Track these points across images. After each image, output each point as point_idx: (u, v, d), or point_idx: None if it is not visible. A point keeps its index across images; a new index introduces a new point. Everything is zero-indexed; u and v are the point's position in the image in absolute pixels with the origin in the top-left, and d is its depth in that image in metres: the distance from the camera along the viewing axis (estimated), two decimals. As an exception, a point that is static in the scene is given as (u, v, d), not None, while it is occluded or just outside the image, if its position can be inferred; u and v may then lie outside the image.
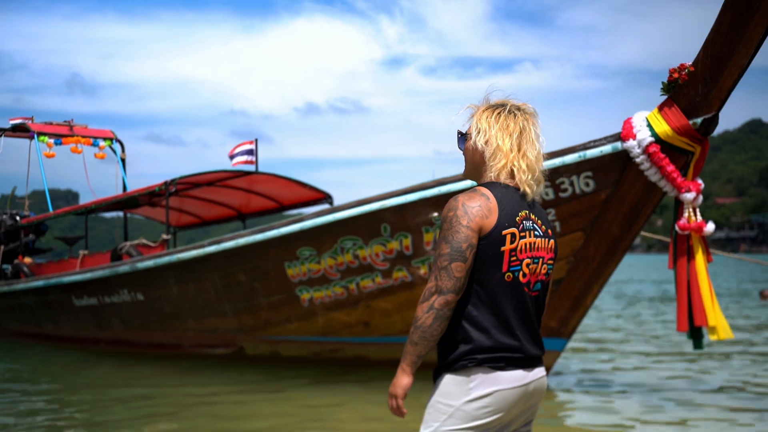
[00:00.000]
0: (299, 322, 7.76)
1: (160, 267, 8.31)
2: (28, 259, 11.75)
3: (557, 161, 6.24)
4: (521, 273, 2.21)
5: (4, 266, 12.09)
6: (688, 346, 9.17)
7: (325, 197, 11.15)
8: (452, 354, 2.20)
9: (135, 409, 6.24)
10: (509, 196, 2.22)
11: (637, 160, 5.88)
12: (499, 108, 2.31)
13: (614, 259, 6.63)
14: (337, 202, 10.57)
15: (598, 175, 6.26)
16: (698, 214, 5.88)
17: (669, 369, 7.91)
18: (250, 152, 10.13)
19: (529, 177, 2.26)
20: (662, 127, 5.71)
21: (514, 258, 2.19)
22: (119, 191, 12.10)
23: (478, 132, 2.30)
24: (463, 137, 2.38)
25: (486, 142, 2.28)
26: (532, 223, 2.25)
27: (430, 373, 2.29)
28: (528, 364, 2.23)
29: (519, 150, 2.27)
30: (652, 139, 5.77)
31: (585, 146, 6.25)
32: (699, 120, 5.60)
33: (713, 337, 5.79)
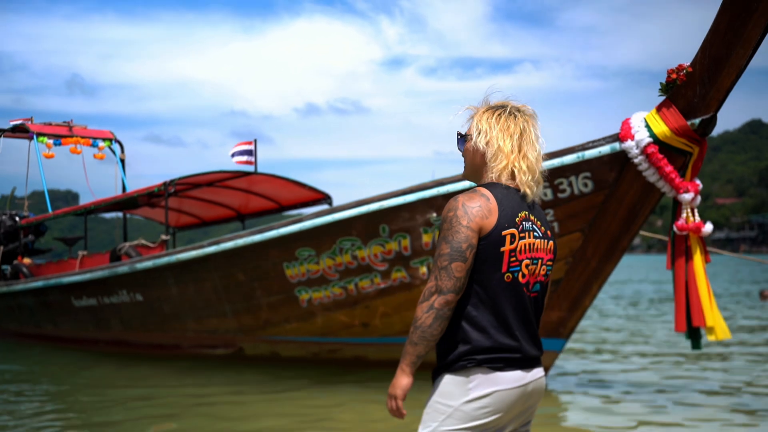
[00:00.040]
0: (298, 323, 7.77)
1: (160, 267, 8.31)
2: (27, 260, 11.75)
3: (556, 162, 6.24)
4: (520, 274, 2.21)
5: (4, 267, 12.08)
6: (687, 346, 9.17)
7: (324, 198, 11.15)
8: (451, 354, 2.21)
9: (134, 410, 6.24)
10: (509, 197, 2.23)
11: (636, 160, 5.88)
12: (499, 109, 2.32)
13: (613, 259, 6.64)
14: (337, 202, 10.57)
15: (597, 175, 6.27)
16: (696, 214, 5.89)
17: (668, 369, 7.91)
18: (249, 153, 10.14)
19: (530, 178, 2.27)
20: (660, 128, 5.72)
21: (514, 259, 2.20)
22: (119, 192, 12.10)
23: (479, 133, 2.30)
24: (462, 138, 2.39)
25: (487, 143, 2.29)
26: (532, 224, 2.25)
27: (429, 374, 2.29)
28: (527, 364, 2.23)
29: (520, 151, 2.28)
30: (650, 139, 5.78)
31: (583, 147, 6.25)
32: (697, 120, 5.61)
33: (711, 338, 5.80)
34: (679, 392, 6.65)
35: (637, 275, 33.89)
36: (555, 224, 6.50)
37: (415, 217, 6.89)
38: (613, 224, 6.43)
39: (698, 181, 5.87)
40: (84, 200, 12.49)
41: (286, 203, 11.80)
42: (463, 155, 2.40)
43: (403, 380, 2.23)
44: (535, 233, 2.25)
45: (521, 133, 2.28)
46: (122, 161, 12.51)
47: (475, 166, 2.35)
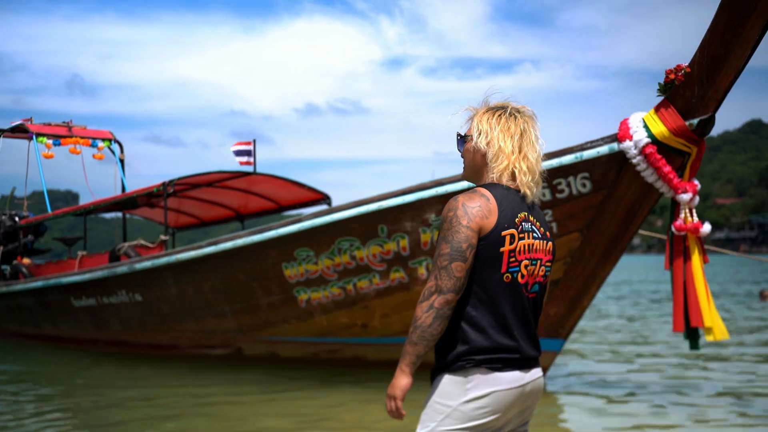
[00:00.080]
0: (297, 323, 7.77)
1: (159, 268, 8.32)
2: (26, 260, 11.75)
3: (554, 162, 6.25)
4: (519, 274, 2.22)
5: (3, 267, 12.09)
6: (687, 347, 9.17)
7: (324, 198, 11.16)
8: (450, 354, 2.21)
9: (134, 410, 6.25)
10: (509, 198, 2.24)
11: (634, 161, 5.89)
12: (500, 110, 2.32)
13: (611, 259, 6.64)
14: (337, 202, 10.56)
15: (595, 176, 6.27)
16: (695, 215, 5.89)
17: (668, 370, 7.92)
18: (248, 153, 10.15)
19: (530, 179, 2.28)
20: (659, 128, 5.72)
21: (513, 259, 2.20)
22: (118, 192, 12.10)
23: (480, 133, 2.31)
24: (462, 139, 2.39)
25: (488, 144, 2.29)
26: (531, 225, 2.26)
27: (428, 374, 2.29)
28: (525, 365, 2.24)
29: (520, 152, 2.28)
30: (648, 140, 5.78)
31: (582, 147, 6.26)
32: (695, 121, 5.62)
33: (709, 338, 5.81)
34: (679, 393, 6.65)
35: (636, 275, 33.89)
36: (553, 224, 6.50)
37: (413, 218, 6.89)
38: (612, 224, 6.44)
39: (696, 182, 5.88)
40: (83, 200, 12.50)
41: (286, 203, 11.81)
42: (462, 156, 2.40)
43: (402, 380, 2.22)
44: (535, 234, 2.26)
45: (522, 134, 2.29)
46: (122, 161, 12.51)
47: (476, 167, 2.35)
